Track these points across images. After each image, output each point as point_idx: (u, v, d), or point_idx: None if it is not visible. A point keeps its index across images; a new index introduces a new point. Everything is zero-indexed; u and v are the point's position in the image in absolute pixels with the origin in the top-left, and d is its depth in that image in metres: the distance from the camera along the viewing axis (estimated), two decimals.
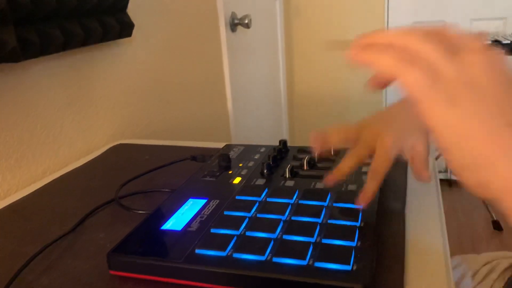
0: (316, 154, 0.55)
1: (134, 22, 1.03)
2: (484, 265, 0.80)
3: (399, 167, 0.70)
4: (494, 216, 2.12)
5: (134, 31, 1.04)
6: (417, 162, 0.52)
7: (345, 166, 0.53)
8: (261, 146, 0.78)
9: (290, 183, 0.62)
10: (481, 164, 0.31)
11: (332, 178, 0.53)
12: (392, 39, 0.33)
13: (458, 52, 0.31)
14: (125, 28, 1.00)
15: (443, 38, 0.32)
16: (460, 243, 2.02)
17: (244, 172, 0.67)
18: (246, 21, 1.68)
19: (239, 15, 1.70)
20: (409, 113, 0.53)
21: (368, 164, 0.54)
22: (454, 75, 0.31)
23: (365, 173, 0.63)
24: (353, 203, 0.54)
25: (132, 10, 1.03)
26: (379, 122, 0.55)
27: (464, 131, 0.31)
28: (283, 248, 0.45)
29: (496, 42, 1.89)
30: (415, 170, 0.52)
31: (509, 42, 1.87)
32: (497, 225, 2.10)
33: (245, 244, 0.47)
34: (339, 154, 0.72)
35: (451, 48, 0.31)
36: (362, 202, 0.51)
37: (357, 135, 0.55)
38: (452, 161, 0.32)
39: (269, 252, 0.45)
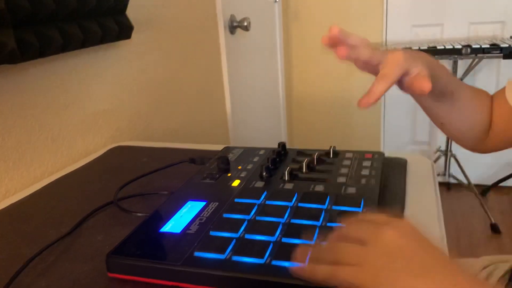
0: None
1: (133, 24, 1.03)
2: (483, 269, 0.80)
3: (399, 170, 0.70)
4: (492, 219, 2.12)
5: (133, 33, 1.04)
6: (420, 76, 0.53)
7: (378, 88, 0.53)
8: (260, 149, 0.78)
9: (289, 185, 0.62)
10: None
11: (366, 100, 0.52)
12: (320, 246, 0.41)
13: (371, 237, 0.38)
14: (124, 30, 1.00)
15: (359, 230, 0.39)
16: (459, 246, 2.02)
17: (243, 174, 0.67)
18: (245, 24, 1.68)
19: (238, 18, 1.70)
20: (422, 54, 0.58)
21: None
22: (372, 256, 0.37)
23: (365, 176, 0.63)
24: (352, 206, 0.54)
25: (131, 12, 1.03)
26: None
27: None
28: (282, 251, 0.45)
29: (494, 46, 1.90)
30: (417, 81, 0.53)
31: (507, 45, 1.87)
32: (495, 228, 2.10)
33: (244, 247, 0.46)
34: (338, 155, 0.72)
35: (373, 228, 0.38)
36: (365, 103, 0.51)
37: (381, 58, 0.56)
38: None
39: (268, 255, 0.45)
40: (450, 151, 2.26)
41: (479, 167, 2.43)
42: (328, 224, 0.50)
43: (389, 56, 0.54)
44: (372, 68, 0.57)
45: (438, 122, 0.70)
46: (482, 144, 0.72)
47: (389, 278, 0.35)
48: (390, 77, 0.52)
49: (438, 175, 2.31)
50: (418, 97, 0.65)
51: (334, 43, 0.57)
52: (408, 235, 0.37)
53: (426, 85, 0.52)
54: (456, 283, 0.34)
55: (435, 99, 0.65)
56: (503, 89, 0.69)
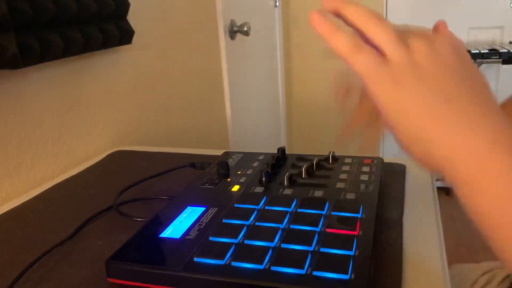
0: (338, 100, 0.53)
1: (134, 29, 1.04)
2: (483, 274, 0.80)
3: (397, 176, 0.71)
4: None
5: (134, 38, 1.05)
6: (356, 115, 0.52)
7: (360, 115, 0.52)
8: (259, 154, 0.78)
9: (288, 191, 0.62)
10: (423, 138, 0.34)
11: (347, 131, 0.52)
12: (351, 16, 0.36)
13: (406, 39, 0.34)
14: (125, 35, 1.01)
15: (396, 27, 0.35)
16: (458, 251, 2.02)
17: (242, 180, 0.67)
18: (245, 29, 1.69)
19: (239, 23, 1.71)
20: None
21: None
22: (398, 59, 0.34)
23: (364, 181, 0.64)
24: (351, 212, 0.54)
25: (132, 17, 1.03)
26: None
27: (407, 108, 0.34)
28: (281, 257, 0.45)
29: (493, 51, 1.91)
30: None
31: (506, 51, 1.88)
32: None
33: (243, 252, 0.47)
34: (338, 161, 0.72)
35: (402, 35, 0.35)
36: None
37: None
38: (398, 136, 0.35)
39: (267, 261, 0.45)
40: None
41: None
42: (327, 230, 0.51)
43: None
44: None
45: None
46: None
47: (413, 95, 0.33)
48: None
49: (438, 180, 2.31)
50: None
51: None
52: (461, 51, 0.34)
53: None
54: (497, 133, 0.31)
55: None
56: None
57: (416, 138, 0.34)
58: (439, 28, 0.38)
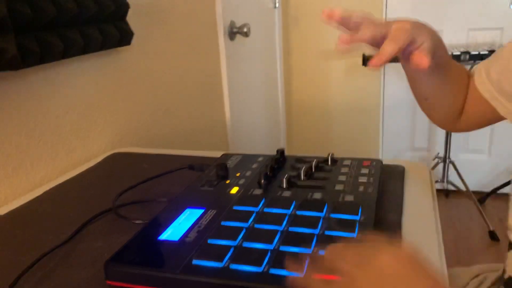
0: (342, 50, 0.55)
1: (134, 30, 1.04)
2: (473, 278, 0.80)
3: (396, 177, 0.71)
4: (490, 227, 2.12)
5: (134, 40, 1.05)
6: (421, 50, 0.53)
7: (388, 49, 0.53)
8: (258, 156, 0.78)
9: (287, 193, 0.62)
10: None
11: (376, 61, 0.53)
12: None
13: (368, 259, 0.38)
14: (124, 36, 1.01)
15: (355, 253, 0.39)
16: (457, 253, 2.02)
17: (241, 181, 0.67)
18: (245, 30, 1.69)
19: (238, 24, 1.71)
20: (426, 25, 0.58)
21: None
22: (365, 278, 0.37)
23: (363, 183, 0.64)
24: (350, 214, 0.54)
25: (131, 19, 1.03)
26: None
27: None
28: (280, 259, 0.45)
29: (493, 52, 1.91)
30: (417, 56, 0.53)
31: None
32: (493, 236, 2.10)
33: (242, 255, 0.47)
34: (337, 163, 0.72)
35: (363, 256, 0.38)
36: (374, 64, 0.51)
37: (386, 29, 0.55)
38: None
39: (266, 263, 0.45)
40: (449, 158, 2.26)
41: (478, 174, 2.43)
42: (326, 233, 0.51)
43: (396, 24, 0.55)
44: (378, 44, 0.56)
45: (422, 97, 0.70)
46: (457, 122, 0.72)
47: None
48: (399, 41, 0.52)
49: (437, 181, 2.31)
50: (412, 69, 0.65)
51: (338, 23, 0.57)
52: (405, 261, 0.38)
53: (425, 61, 0.52)
54: None
55: (429, 71, 0.64)
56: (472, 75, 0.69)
57: None
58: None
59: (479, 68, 0.68)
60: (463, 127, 0.73)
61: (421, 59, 0.53)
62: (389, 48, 0.52)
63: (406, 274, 0.37)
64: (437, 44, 0.58)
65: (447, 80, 0.67)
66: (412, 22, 0.55)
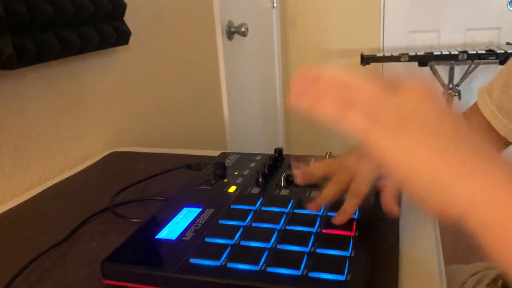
0: (299, 183, 0.56)
1: (131, 30, 1.04)
2: (472, 275, 0.80)
3: None
4: None
5: (131, 39, 1.05)
6: (387, 196, 0.52)
7: (328, 193, 0.54)
8: (256, 155, 0.78)
9: (285, 192, 0.62)
10: (438, 187, 0.32)
11: (315, 204, 0.54)
12: (330, 80, 0.35)
13: (393, 90, 0.33)
14: (122, 36, 1.00)
15: (378, 80, 0.34)
16: (456, 251, 2.02)
17: (239, 180, 0.67)
18: (243, 30, 1.69)
19: (236, 24, 1.71)
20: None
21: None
22: (391, 111, 0.32)
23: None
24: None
25: (129, 18, 1.03)
26: (360, 151, 0.55)
27: (414, 159, 0.32)
28: (277, 258, 0.45)
29: (491, 52, 1.91)
30: (384, 203, 0.52)
31: (503, 51, 1.88)
32: None
33: (239, 253, 0.47)
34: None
35: (386, 87, 0.33)
36: (338, 221, 0.52)
37: (339, 165, 0.55)
38: (411, 190, 0.33)
39: (263, 262, 0.45)
40: None
41: None
42: (324, 231, 0.51)
43: (359, 167, 0.52)
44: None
45: None
46: None
47: (419, 143, 0.31)
48: (360, 194, 0.52)
49: None
50: None
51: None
52: (431, 100, 0.33)
53: (393, 211, 0.51)
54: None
55: None
56: (475, 105, 0.68)
57: (430, 188, 0.32)
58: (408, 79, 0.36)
59: (483, 89, 0.67)
60: None
61: (389, 209, 0.51)
62: (351, 203, 0.52)
63: (437, 115, 0.33)
64: None
65: None
66: (371, 162, 0.50)
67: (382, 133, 0.32)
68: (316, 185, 0.63)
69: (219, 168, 0.70)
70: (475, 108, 0.69)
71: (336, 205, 0.56)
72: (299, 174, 0.55)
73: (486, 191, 0.31)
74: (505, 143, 0.65)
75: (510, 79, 0.62)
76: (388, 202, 0.52)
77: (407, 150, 0.32)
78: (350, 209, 0.52)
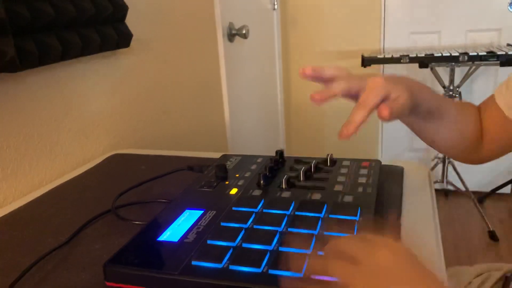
0: (306, 75, 0.54)
1: (133, 32, 1.04)
2: (476, 277, 0.80)
3: (395, 178, 0.71)
4: (490, 227, 2.13)
5: (132, 42, 1.05)
6: (392, 103, 0.52)
7: (336, 86, 0.53)
8: (258, 157, 0.78)
9: (286, 194, 0.62)
10: None
11: (320, 95, 0.52)
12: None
13: (365, 256, 0.38)
14: (123, 39, 1.01)
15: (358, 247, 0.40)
16: (457, 253, 2.02)
17: (240, 182, 0.67)
18: (244, 32, 1.69)
19: (237, 26, 1.71)
20: (403, 78, 0.58)
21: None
22: (362, 275, 0.37)
23: (362, 184, 0.64)
24: (349, 214, 0.54)
25: (130, 21, 1.03)
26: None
27: None
28: (279, 260, 0.45)
29: (491, 53, 1.91)
30: (380, 108, 0.52)
31: (504, 53, 1.88)
32: (493, 236, 2.10)
33: (241, 256, 0.47)
34: (336, 163, 0.72)
35: (360, 253, 0.39)
36: (345, 134, 0.50)
37: (352, 74, 0.55)
38: None
39: (265, 264, 0.45)
40: (448, 158, 2.26)
41: (477, 174, 2.43)
42: (325, 233, 0.51)
43: (368, 82, 0.54)
44: (353, 97, 0.56)
45: (429, 140, 0.70)
46: (476, 154, 0.72)
47: None
48: (368, 104, 0.51)
49: (436, 182, 2.31)
50: (407, 120, 0.65)
51: (312, 78, 0.57)
52: (402, 258, 0.38)
53: (384, 114, 0.51)
54: None
55: (423, 120, 0.64)
56: (492, 96, 0.69)
57: None
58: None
59: (501, 83, 0.68)
60: (487, 156, 0.72)
61: (381, 111, 0.51)
62: (358, 114, 0.51)
63: (403, 269, 0.37)
64: (418, 94, 0.58)
65: (446, 122, 0.67)
66: (386, 77, 0.54)
67: (360, 280, 0.37)
68: (317, 187, 0.63)
69: (220, 170, 0.70)
70: (490, 103, 0.69)
71: (339, 207, 0.56)
72: (309, 68, 0.54)
73: None
74: None
75: None
76: (382, 105, 0.51)
77: None
78: (357, 121, 0.50)
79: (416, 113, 0.60)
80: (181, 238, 0.52)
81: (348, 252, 0.40)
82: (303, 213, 0.55)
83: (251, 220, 0.55)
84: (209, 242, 0.50)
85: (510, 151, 0.70)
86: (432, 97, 0.62)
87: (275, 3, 2.26)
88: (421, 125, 0.66)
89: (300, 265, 0.42)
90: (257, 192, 0.63)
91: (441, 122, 0.66)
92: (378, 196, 0.60)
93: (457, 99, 2.12)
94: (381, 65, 2.35)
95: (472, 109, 0.70)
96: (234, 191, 0.65)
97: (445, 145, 0.71)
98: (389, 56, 2.03)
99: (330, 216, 0.54)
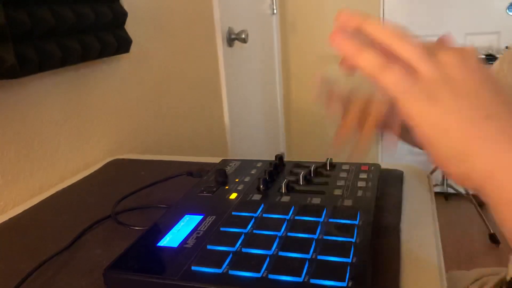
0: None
1: (132, 38, 1.04)
2: (474, 281, 0.80)
3: (395, 182, 0.71)
4: (491, 229, 2.12)
5: (132, 47, 1.05)
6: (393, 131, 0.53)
7: (349, 116, 0.52)
8: (257, 161, 0.78)
9: (286, 198, 0.62)
10: (462, 156, 0.32)
11: (338, 138, 0.52)
12: (375, 32, 0.35)
13: (434, 53, 0.34)
14: (123, 44, 1.01)
15: (421, 42, 0.35)
16: (458, 256, 2.01)
17: (240, 187, 0.68)
18: (243, 36, 1.70)
19: (236, 30, 1.72)
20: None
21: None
22: (431, 75, 0.33)
23: (361, 188, 0.64)
24: (348, 219, 0.54)
25: (130, 26, 1.04)
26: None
27: (444, 125, 0.33)
28: (279, 265, 0.45)
29: (490, 56, 1.92)
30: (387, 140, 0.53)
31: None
32: (494, 239, 2.10)
33: (241, 260, 0.47)
34: (335, 168, 0.72)
35: (428, 50, 0.34)
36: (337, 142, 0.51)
37: (355, 95, 0.55)
38: (435, 154, 0.34)
39: (265, 269, 0.45)
40: None
41: None
42: (325, 238, 0.51)
43: (374, 100, 0.53)
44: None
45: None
46: None
47: (452, 110, 0.32)
48: (377, 114, 0.52)
49: (436, 185, 2.31)
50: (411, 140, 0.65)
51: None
52: (474, 63, 0.33)
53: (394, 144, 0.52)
54: None
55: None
56: None
57: (457, 154, 0.33)
58: (445, 41, 0.37)
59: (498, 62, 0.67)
60: None
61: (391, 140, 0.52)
62: (371, 130, 0.52)
63: (476, 81, 0.33)
64: None
65: None
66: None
67: (418, 96, 0.33)
68: (316, 192, 0.63)
69: (220, 175, 0.70)
70: None
71: (339, 212, 0.56)
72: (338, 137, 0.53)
73: (511, 161, 0.31)
74: None
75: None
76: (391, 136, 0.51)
77: (440, 117, 0.32)
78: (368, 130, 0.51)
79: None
80: (181, 243, 0.52)
81: (406, 55, 0.34)
82: (303, 218, 0.55)
83: (250, 224, 0.55)
84: (209, 247, 0.50)
85: None
86: None
87: (274, 7, 2.26)
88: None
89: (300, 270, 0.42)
90: (256, 197, 0.63)
91: None
92: (377, 200, 0.60)
93: None
94: None
95: None
96: (233, 195, 0.65)
97: None
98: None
99: (330, 220, 0.54)
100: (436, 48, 0.34)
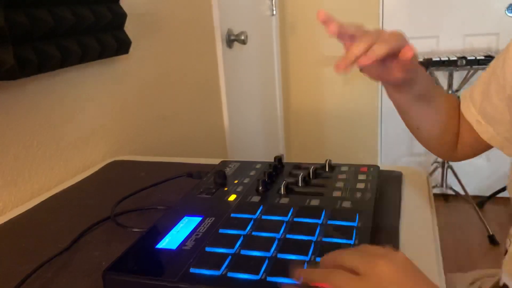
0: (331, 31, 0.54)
1: (131, 39, 1.04)
2: (470, 284, 0.80)
3: (394, 183, 0.71)
4: (490, 231, 2.12)
5: (131, 48, 1.05)
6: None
7: (376, 50, 0.52)
8: (256, 163, 0.79)
9: (285, 200, 0.62)
10: None
11: (363, 60, 0.52)
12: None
13: (366, 268, 0.38)
14: (122, 46, 1.01)
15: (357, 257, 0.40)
16: (457, 258, 2.01)
17: (239, 189, 0.68)
18: (243, 37, 1.70)
19: (236, 32, 1.72)
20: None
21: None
22: (371, 275, 0.38)
23: (360, 189, 0.64)
24: (347, 220, 0.54)
25: (129, 28, 1.04)
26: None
27: None
28: (278, 267, 0.45)
29: (489, 58, 1.92)
30: (404, 49, 0.54)
31: None
32: (493, 240, 2.10)
33: (239, 263, 0.47)
34: (334, 169, 0.72)
35: (361, 266, 0.39)
36: (363, 61, 0.52)
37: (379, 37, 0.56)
38: None
39: (264, 271, 0.45)
40: (447, 162, 2.27)
41: (476, 178, 2.43)
42: (324, 239, 0.51)
43: (389, 32, 0.55)
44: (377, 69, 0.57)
45: (414, 126, 0.70)
46: (454, 151, 0.72)
47: None
48: (390, 43, 0.52)
49: (436, 186, 2.31)
50: (399, 98, 0.66)
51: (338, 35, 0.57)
52: (402, 269, 0.38)
53: (410, 53, 0.52)
54: None
55: (414, 100, 0.65)
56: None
57: None
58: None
59: (464, 93, 0.69)
60: (460, 156, 0.73)
61: (407, 51, 0.53)
62: (379, 49, 0.52)
63: (404, 280, 0.37)
64: (420, 71, 0.60)
65: (434, 109, 0.68)
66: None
67: None
68: (315, 193, 0.63)
69: (219, 176, 0.70)
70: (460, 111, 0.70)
71: (337, 214, 0.56)
72: (340, 64, 0.54)
73: None
74: (487, 146, 0.67)
75: (490, 87, 0.63)
76: (407, 46, 0.53)
77: None
78: (375, 52, 0.52)
79: (411, 90, 0.62)
80: (179, 245, 0.52)
81: (348, 264, 0.40)
82: (302, 220, 0.56)
83: (249, 226, 0.55)
84: (207, 249, 0.50)
85: (478, 155, 0.71)
86: (427, 80, 0.64)
87: (274, 9, 2.27)
88: (410, 106, 0.66)
89: (299, 275, 0.42)
90: (255, 199, 0.64)
91: (429, 107, 0.67)
92: (376, 202, 0.61)
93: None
94: None
95: (456, 103, 0.71)
96: (232, 197, 0.65)
97: (428, 135, 0.70)
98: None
99: (329, 222, 0.54)
100: (374, 255, 0.39)
